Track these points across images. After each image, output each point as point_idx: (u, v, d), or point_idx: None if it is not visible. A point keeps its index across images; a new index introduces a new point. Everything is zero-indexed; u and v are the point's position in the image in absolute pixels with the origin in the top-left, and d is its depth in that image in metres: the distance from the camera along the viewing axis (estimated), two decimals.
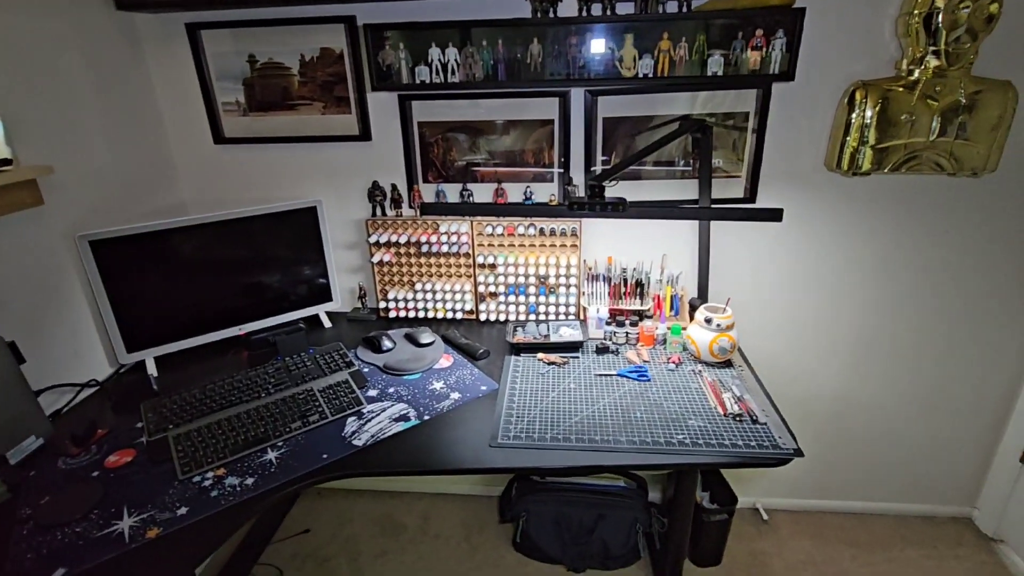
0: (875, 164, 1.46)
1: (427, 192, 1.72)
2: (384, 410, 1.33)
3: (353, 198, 1.76)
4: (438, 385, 1.43)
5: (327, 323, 1.80)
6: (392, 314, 1.80)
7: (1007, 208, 1.58)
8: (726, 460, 1.16)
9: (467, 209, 1.55)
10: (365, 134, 1.66)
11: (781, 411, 1.29)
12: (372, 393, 1.40)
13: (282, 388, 1.38)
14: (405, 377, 1.48)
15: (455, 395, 1.39)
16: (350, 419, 1.30)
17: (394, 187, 1.71)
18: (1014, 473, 1.84)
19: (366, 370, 1.51)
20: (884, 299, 1.74)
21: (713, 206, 1.58)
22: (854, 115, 1.44)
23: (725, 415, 1.28)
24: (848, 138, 1.46)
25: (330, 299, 1.80)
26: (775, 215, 1.30)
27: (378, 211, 1.74)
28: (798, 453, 1.16)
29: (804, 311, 1.78)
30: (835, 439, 1.95)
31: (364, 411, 1.33)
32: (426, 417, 1.30)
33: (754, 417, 1.26)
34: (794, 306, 1.78)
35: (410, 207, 1.74)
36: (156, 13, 1.58)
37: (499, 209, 1.57)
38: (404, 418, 1.30)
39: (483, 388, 1.42)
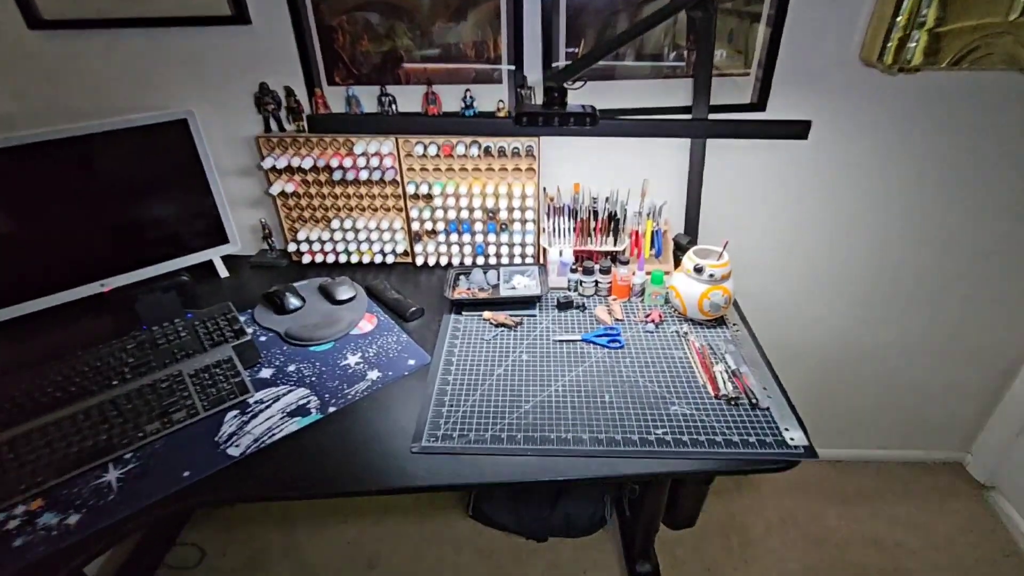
0: (929, 56, 1.09)
1: (334, 98, 1.29)
2: (278, 399, 1.02)
3: (238, 107, 1.32)
4: (353, 360, 1.11)
5: (223, 271, 1.43)
6: (306, 259, 1.43)
7: None
8: (718, 467, 0.89)
9: (372, 124, 1.11)
10: (240, 15, 1.19)
11: (784, 386, 1.02)
12: (266, 374, 1.08)
13: (141, 373, 1.05)
14: (312, 348, 1.15)
15: (373, 374, 1.07)
16: (230, 414, 0.99)
17: (289, 92, 1.28)
18: (1018, 420, 1.66)
19: (264, 339, 1.18)
20: (907, 232, 1.44)
21: (714, 117, 1.20)
22: None
23: (717, 397, 1.00)
24: (898, 19, 1.07)
25: (226, 240, 1.41)
26: (800, 130, 0.94)
27: (272, 125, 1.31)
28: (810, 452, 0.90)
29: (811, 246, 1.48)
30: (827, 385, 1.73)
31: (251, 401, 1.01)
32: (332, 409, 0.99)
33: (753, 399, 0.98)
34: (799, 239, 1.47)
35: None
36: None
37: (417, 124, 1.13)
38: (302, 411, 0.99)
39: (411, 363, 1.10)
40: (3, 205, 1.11)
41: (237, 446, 0.92)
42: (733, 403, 0.98)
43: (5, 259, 1.14)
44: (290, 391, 1.04)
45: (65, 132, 1.12)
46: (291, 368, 1.09)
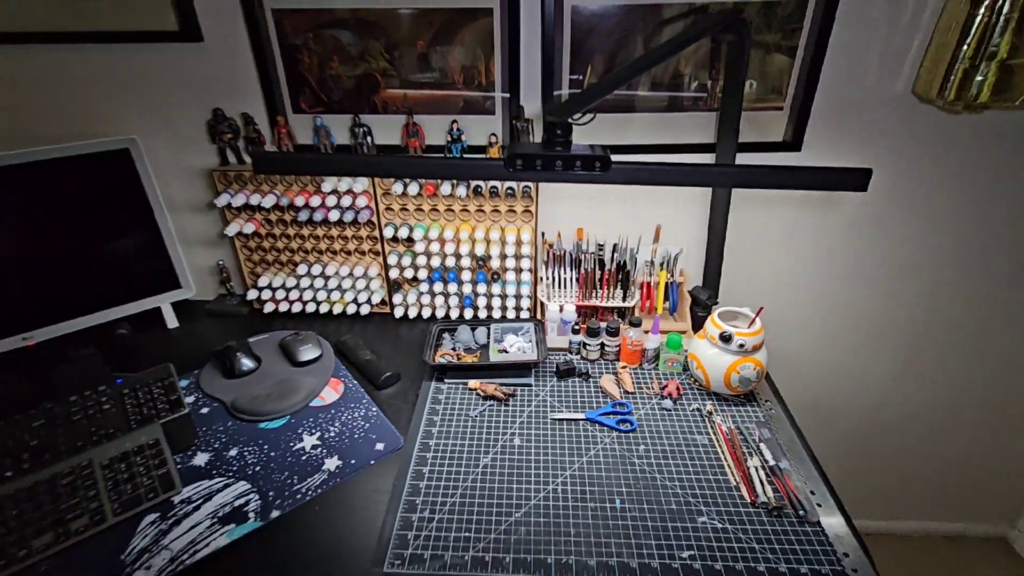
0: (999, 91, 0.92)
1: (300, 127, 1.12)
2: (210, 496, 0.82)
3: (190, 136, 1.15)
4: (310, 442, 0.92)
5: (172, 322, 1.24)
6: (269, 307, 1.24)
7: None
8: None
9: (330, 165, 0.88)
10: (189, 31, 1.03)
11: (829, 477, 0.83)
12: (200, 460, 0.89)
13: (42, 463, 0.85)
14: (262, 425, 0.96)
15: (332, 463, 0.88)
16: (147, 519, 0.79)
17: (248, 120, 1.10)
18: None
19: (206, 410, 0.99)
20: (962, 288, 1.26)
21: (742, 159, 1.04)
22: (982, 9, 0.88)
23: (755, 504, 0.80)
24: (964, 47, 0.91)
25: (177, 286, 1.23)
26: (859, 180, 0.76)
27: (230, 157, 1.14)
28: None
29: (847, 301, 1.30)
30: (860, 452, 1.54)
31: (176, 500, 0.82)
32: (275, 513, 0.80)
33: (800, 510, 0.79)
34: (833, 295, 1.29)
35: (280, 150, 1.14)
36: None
37: (387, 166, 0.89)
38: (237, 516, 0.79)
39: (379, 447, 0.91)
40: None
41: (148, 568, 0.72)
42: (775, 514, 0.79)
43: None
44: (227, 486, 0.84)
45: None
46: (232, 452, 0.90)
